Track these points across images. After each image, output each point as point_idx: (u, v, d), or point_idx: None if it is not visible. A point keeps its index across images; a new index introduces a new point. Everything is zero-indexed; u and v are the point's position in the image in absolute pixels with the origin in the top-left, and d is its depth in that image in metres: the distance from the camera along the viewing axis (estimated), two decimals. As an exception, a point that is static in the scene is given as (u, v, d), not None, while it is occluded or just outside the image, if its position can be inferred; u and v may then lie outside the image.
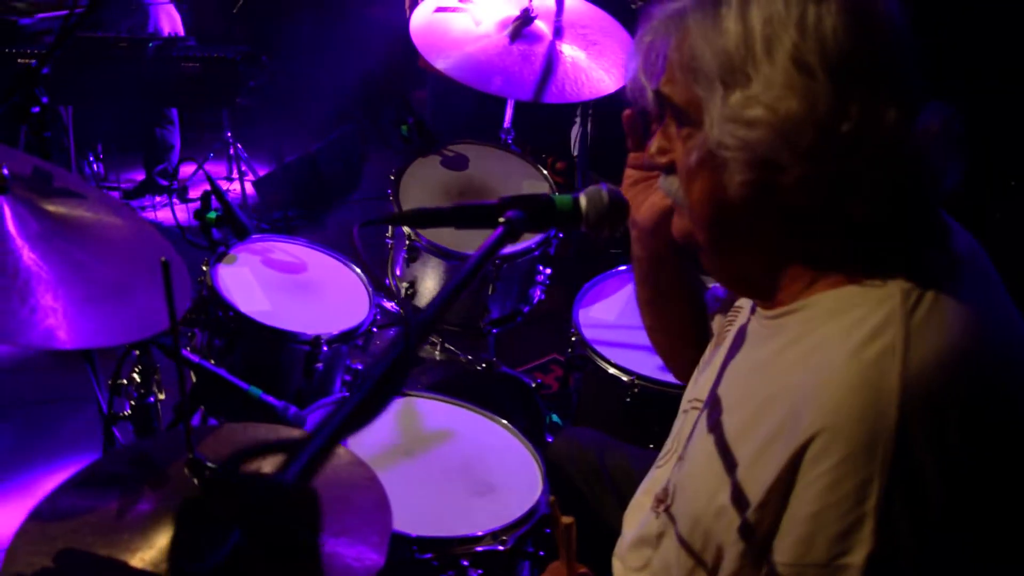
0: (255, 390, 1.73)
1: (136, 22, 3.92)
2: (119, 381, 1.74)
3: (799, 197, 0.94)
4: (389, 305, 2.43)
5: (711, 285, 1.44)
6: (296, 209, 4.27)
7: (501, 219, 1.00)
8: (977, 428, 0.90)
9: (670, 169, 1.08)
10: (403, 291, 2.34)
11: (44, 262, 1.35)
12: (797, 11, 0.91)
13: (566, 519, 1.18)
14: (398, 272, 2.37)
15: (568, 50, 2.33)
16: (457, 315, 2.35)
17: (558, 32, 2.35)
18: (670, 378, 1.53)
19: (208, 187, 2.19)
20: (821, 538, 0.89)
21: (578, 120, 4.14)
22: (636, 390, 2.03)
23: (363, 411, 0.63)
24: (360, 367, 2.29)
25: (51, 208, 1.48)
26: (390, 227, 2.37)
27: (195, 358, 1.75)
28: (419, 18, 2.38)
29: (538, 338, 3.25)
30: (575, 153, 4.30)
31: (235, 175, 4.30)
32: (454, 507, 1.68)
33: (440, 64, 2.27)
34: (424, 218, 1.07)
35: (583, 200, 1.09)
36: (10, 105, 1.79)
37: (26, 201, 1.43)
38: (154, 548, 1.19)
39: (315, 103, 4.81)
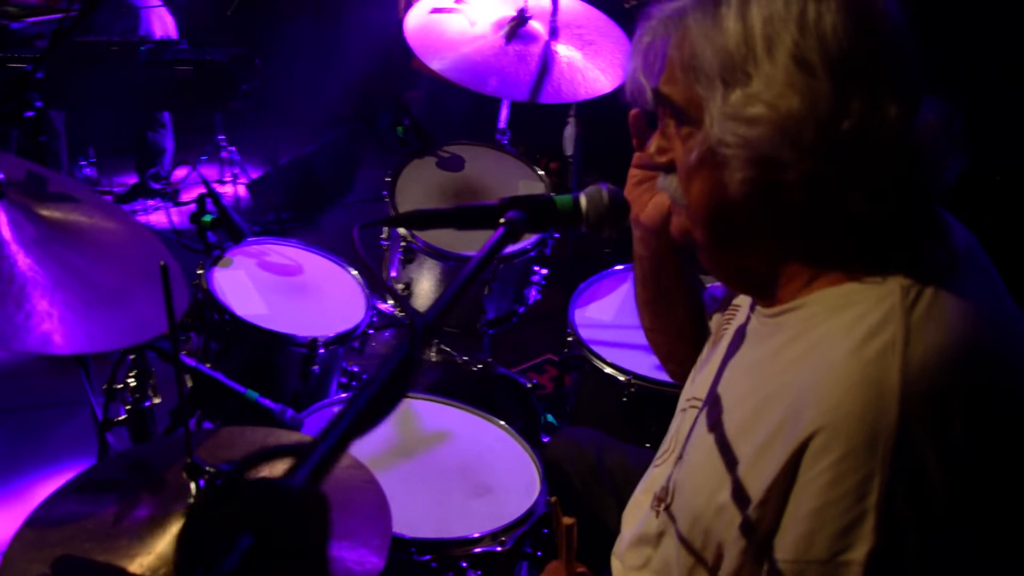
0: (252, 393, 1.72)
1: (128, 25, 3.90)
2: (114, 386, 1.73)
3: (800, 195, 0.94)
4: (385, 307, 2.43)
5: (708, 285, 1.44)
6: (290, 211, 4.26)
7: (502, 220, 1.00)
8: (979, 423, 0.90)
9: (670, 168, 1.08)
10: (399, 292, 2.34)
11: (40, 267, 1.35)
12: (797, 9, 0.91)
13: (567, 520, 1.18)
14: (394, 274, 2.37)
15: (564, 50, 2.33)
16: (454, 316, 2.34)
17: (553, 32, 2.35)
18: (667, 377, 1.53)
19: (202, 190, 2.18)
20: (822, 535, 0.90)
21: (571, 120, 4.15)
22: (633, 389, 2.03)
23: (370, 413, 0.63)
24: (356, 369, 2.29)
25: (46, 213, 1.47)
26: (385, 229, 2.36)
27: (192, 362, 1.74)
28: (414, 19, 2.38)
29: (532, 338, 3.25)
30: (568, 153, 4.30)
31: (228, 178, 4.29)
32: (452, 508, 1.68)
33: (436, 65, 2.27)
34: (424, 219, 1.07)
35: (583, 200, 1.09)
36: (4, 110, 1.78)
37: (21, 206, 1.43)
38: (153, 554, 1.18)
39: (308, 105, 4.80)
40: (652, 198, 1.30)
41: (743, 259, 1.06)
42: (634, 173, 1.34)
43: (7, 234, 1.35)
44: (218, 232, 2.07)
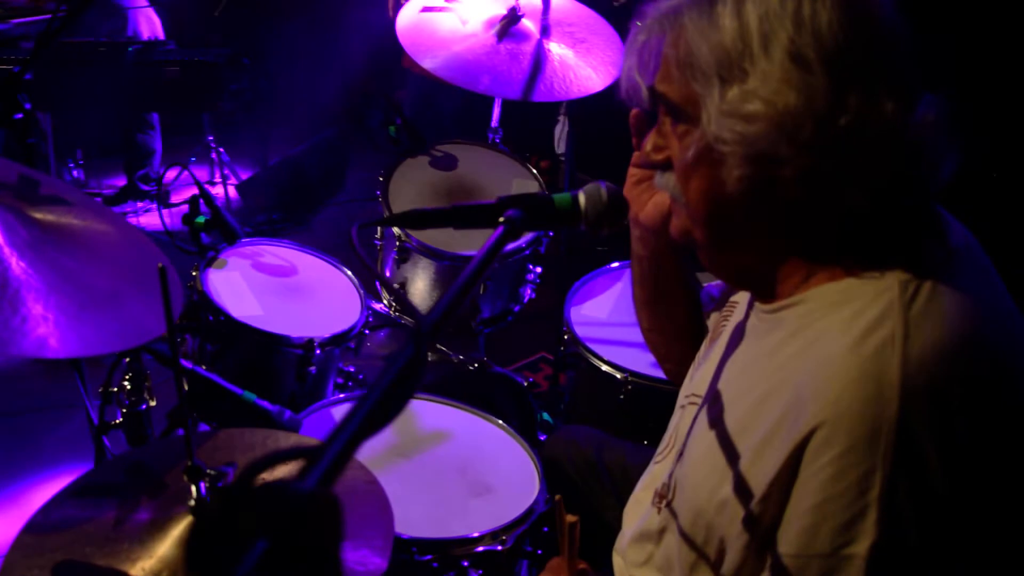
0: (249, 395, 1.72)
1: (115, 26, 3.87)
2: (110, 389, 1.72)
3: (798, 191, 0.95)
4: (380, 307, 2.42)
5: (705, 284, 1.45)
6: (280, 212, 4.24)
7: (502, 218, 1.00)
8: (978, 417, 0.91)
9: (667, 166, 1.08)
10: (393, 292, 2.34)
11: (33, 271, 1.34)
12: (792, 5, 0.92)
13: (571, 517, 1.18)
14: (388, 274, 2.36)
15: (555, 48, 2.33)
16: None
17: (545, 30, 2.35)
18: (664, 375, 1.53)
19: (193, 191, 2.17)
20: (825, 529, 0.90)
21: (562, 119, 4.15)
22: (630, 387, 2.04)
23: (378, 416, 0.63)
24: (352, 369, 2.28)
25: (39, 216, 1.46)
26: (379, 228, 2.36)
27: (189, 364, 1.74)
28: (405, 18, 2.38)
29: (526, 337, 3.25)
30: (559, 152, 4.30)
31: (217, 179, 4.27)
32: (452, 508, 1.68)
33: (428, 64, 2.26)
34: (422, 219, 1.07)
35: (582, 198, 1.09)
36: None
37: (13, 209, 1.41)
38: (154, 557, 1.18)
39: (297, 105, 4.78)
40: (651, 197, 1.30)
41: (742, 257, 1.06)
42: (633, 172, 1.34)
43: (0, 238, 1.34)
44: (211, 233, 2.06)
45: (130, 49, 3.44)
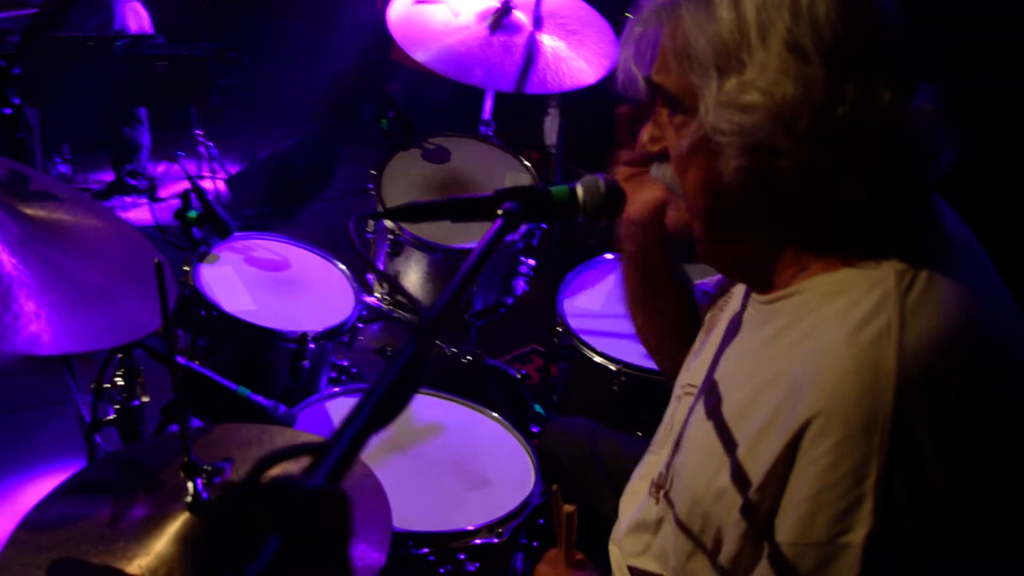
0: (244, 390, 1.71)
1: (102, 20, 3.84)
2: (102, 385, 1.71)
3: (795, 181, 0.95)
4: (372, 300, 2.41)
5: (697, 282, 1.45)
6: (270, 206, 4.22)
7: (499, 211, 1.00)
8: (974, 408, 0.91)
9: (663, 157, 1.08)
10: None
11: (25, 267, 1.32)
12: None
13: (568, 507, 1.18)
14: (380, 267, 2.36)
15: (548, 40, 2.33)
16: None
17: (537, 22, 2.34)
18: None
19: (182, 186, 2.16)
20: (821, 517, 0.90)
21: (552, 111, 4.14)
22: (623, 378, 2.04)
23: (384, 411, 0.62)
24: (346, 363, 2.28)
25: (29, 211, 1.45)
26: (371, 222, 2.35)
27: (183, 360, 1.73)
28: (397, 10, 2.37)
29: (518, 329, 3.25)
30: (549, 143, 4.29)
31: (206, 173, 4.24)
32: (448, 501, 1.68)
33: (420, 56, 2.26)
34: (420, 212, 1.07)
35: (580, 190, 1.09)
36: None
37: (4, 205, 1.40)
38: (151, 554, 1.18)
39: (286, 99, 4.74)
40: (641, 194, 1.30)
41: (740, 248, 1.06)
42: (621, 168, 1.34)
43: (-8, 235, 1.33)
44: (203, 228, 2.05)
45: (118, 43, 3.41)
